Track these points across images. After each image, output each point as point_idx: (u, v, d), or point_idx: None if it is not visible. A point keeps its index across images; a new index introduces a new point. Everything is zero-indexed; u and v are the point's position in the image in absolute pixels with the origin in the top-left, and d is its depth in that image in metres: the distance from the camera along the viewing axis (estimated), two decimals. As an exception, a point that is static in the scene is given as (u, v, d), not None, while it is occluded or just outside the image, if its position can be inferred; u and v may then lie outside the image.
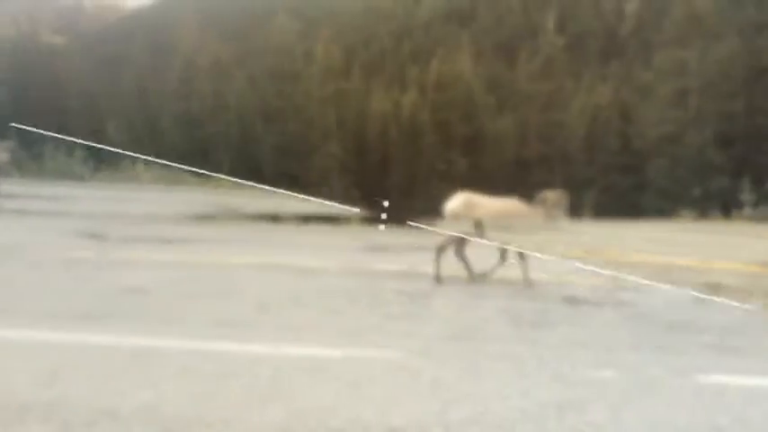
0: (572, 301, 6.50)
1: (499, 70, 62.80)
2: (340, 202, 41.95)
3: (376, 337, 4.78)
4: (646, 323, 5.55)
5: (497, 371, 4.01)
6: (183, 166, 34.90)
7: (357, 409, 3.26)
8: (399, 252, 11.10)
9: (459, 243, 7.97)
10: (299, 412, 3.21)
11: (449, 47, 57.27)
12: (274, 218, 20.64)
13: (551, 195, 7.84)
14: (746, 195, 22.04)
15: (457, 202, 7.79)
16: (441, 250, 7.77)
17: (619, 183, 40.74)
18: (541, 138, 41.95)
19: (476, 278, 7.68)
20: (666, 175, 35.59)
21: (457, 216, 7.72)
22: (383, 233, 16.75)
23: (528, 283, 7.49)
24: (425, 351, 4.42)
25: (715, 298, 6.42)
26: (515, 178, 45.97)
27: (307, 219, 18.79)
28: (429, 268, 8.68)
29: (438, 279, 7.57)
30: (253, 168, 49.23)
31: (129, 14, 69.72)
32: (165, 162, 32.23)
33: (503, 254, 7.78)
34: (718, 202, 29.31)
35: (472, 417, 3.21)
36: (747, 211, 21.63)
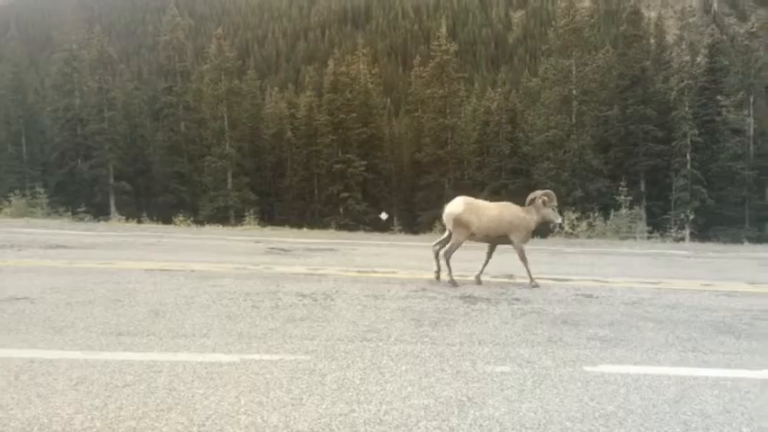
0: (469, 299, 6.71)
1: (394, 73, 63.65)
2: (236, 203, 41.11)
3: (278, 341, 4.72)
4: (538, 319, 5.83)
5: (400, 370, 4.06)
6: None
7: (260, 415, 3.21)
8: (299, 255, 11.02)
9: (444, 245, 7.97)
10: (198, 421, 3.12)
11: (344, 48, 57.32)
12: (166, 220, 19.90)
13: (542, 195, 7.93)
14: (622, 197, 23.65)
15: (459, 205, 7.68)
16: (448, 253, 7.72)
17: (508, 185, 42.56)
18: (436, 141, 42.98)
19: (455, 282, 7.65)
20: (552, 178, 37.51)
21: (460, 219, 7.62)
22: (280, 234, 16.57)
23: (478, 280, 7.86)
24: (329, 353, 4.42)
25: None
26: (411, 180, 47.00)
27: (201, 222, 18.27)
28: (332, 270, 8.69)
29: (453, 282, 7.61)
30: (141, 169, 47.14)
31: (0, 6, 64.75)
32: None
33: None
34: (598, 203, 31.32)
35: (376, 417, 3.25)
36: (623, 211, 23.20)
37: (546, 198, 7.88)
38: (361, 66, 47.99)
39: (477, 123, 47.47)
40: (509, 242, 7.89)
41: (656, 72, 41.90)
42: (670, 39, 47.19)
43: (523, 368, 4.21)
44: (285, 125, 50.58)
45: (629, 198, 24.28)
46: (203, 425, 3.07)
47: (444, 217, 7.83)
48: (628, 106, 39.80)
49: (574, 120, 38.57)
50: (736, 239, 26.34)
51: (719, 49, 41.18)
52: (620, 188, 24.71)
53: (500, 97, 48.64)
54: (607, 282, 8.41)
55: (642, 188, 38.72)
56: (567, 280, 8.35)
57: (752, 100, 37.40)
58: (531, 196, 7.98)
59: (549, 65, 40.75)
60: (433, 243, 8.10)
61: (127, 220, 22.11)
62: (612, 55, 42.51)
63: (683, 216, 28.66)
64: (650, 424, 3.28)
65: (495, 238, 7.86)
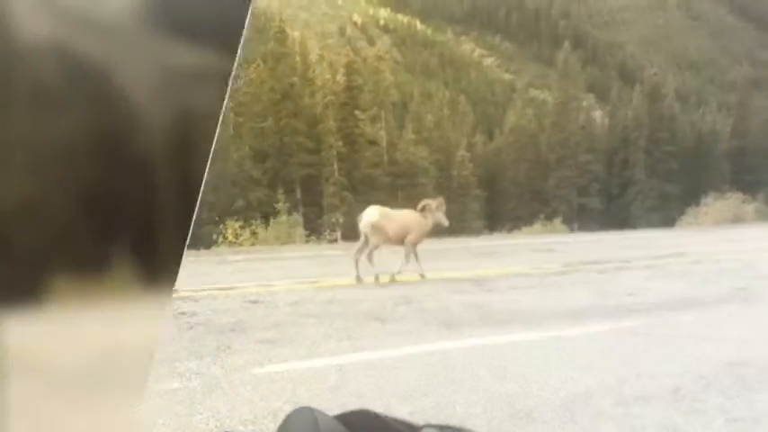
0: (131, 319, 6.32)
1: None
2: None
3: None
4: (205, 330, 5.78)
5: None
6: None
7: None
8: None
9: (362, 251, 8.94)
10: None
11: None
12: None
13: (433, 203, 9.20)
14: (281, 204, 24.92)
15: (375, 214, 8.65)
16: (369, 255, 8.84)
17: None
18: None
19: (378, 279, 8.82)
20: (213, 189, 37.47)
21: (377, 226, 8.57)
22: None
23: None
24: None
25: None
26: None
27: None
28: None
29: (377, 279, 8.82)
30: None
31: None
32: None
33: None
34: (259, 212, 32.37)
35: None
36: (283, 218, 24.43)
37: (438, 204, 9.28)
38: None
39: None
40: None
41: (304, 88, 45.06)
42: (313, 57, 51.14)
43: (193, 381, 4.13)
44: None
45: (287, 205, 25.70)
46: None
47: (362, 225, 8.82)
48: (281, 119, 42.05)
49: (232, 131, 39.15)
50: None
51: (355, 69, 46.23)
52: (279, 196, 26.01)
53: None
54: (271, 286, 8.77)
55: (298, 195, 41.22)
56: (233, 288, 8.46)
57: (383, 115, 42.85)
58: (423, 203, 9.31)
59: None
60: (353, 252, 9.06)
61: None
62: (264, 69, 44.38)
63: (334, 220, 31.34)
64: (315, 412, 3.51)
65: (402, 240, 9.05)
